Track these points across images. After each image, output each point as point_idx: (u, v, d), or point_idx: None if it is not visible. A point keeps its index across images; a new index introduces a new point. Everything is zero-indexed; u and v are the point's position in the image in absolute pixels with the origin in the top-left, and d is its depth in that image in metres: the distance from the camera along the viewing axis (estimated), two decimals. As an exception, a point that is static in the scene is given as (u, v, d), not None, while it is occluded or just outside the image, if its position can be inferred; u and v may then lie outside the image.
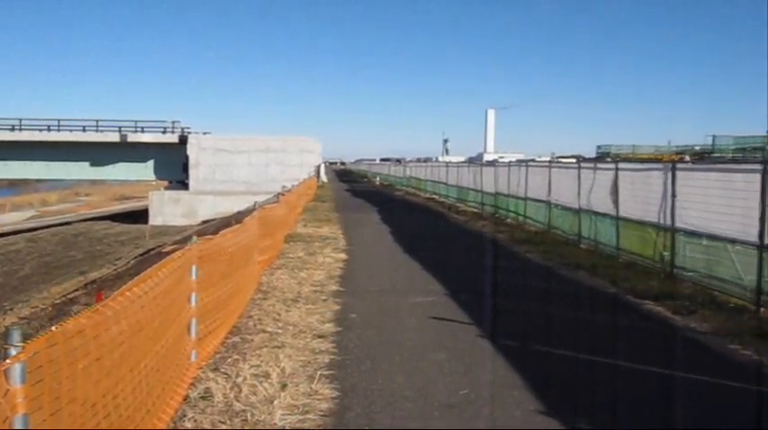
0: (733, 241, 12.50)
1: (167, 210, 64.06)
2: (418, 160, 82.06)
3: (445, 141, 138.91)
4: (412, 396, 7.79)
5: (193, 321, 8.32)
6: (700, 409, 7.61)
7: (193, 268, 8.27)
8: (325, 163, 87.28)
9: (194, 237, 8.63)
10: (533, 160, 33.07)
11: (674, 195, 14.37)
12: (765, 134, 71.27)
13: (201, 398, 7.52)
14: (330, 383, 8.10)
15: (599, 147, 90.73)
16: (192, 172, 67.53)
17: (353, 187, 68.81)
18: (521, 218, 26.98)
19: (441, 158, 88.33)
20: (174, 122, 72.94)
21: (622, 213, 17.21)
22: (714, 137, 77.36)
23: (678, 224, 14.30)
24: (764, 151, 63.06)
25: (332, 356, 9.23)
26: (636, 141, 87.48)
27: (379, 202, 43.32)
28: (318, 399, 7.59)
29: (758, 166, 11.69)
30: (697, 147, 79.76)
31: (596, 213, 19.01)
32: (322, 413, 7.25)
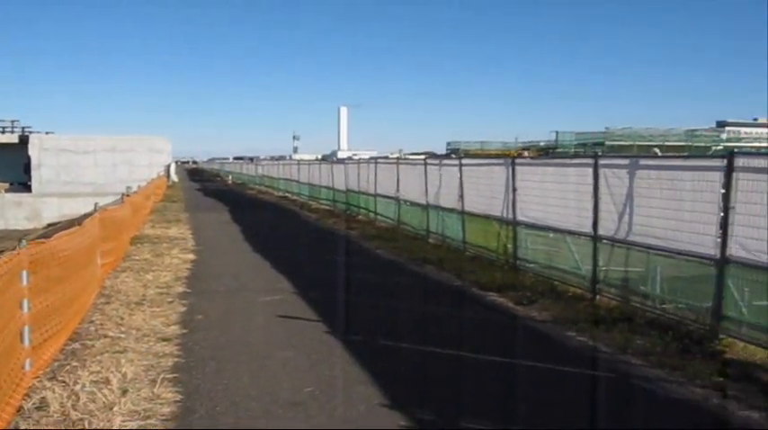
0: (570, 232, 12.94)
1: (9, 213, 60.48)
2: (272, 158, 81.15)
3: (295, 139, 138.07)
4: (257, 395, 7.67)
5: (26, 329, 7.81)
6: (539, 394, 7.81)
7: (24, 273, 7.75)
8: (176, 162, 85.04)
9: (23, 241, 8.07)
10: (387, 157, 33.28)
11: (514, 189, 14.75)
12: (604, 130, 74.93)
13: (36, 408, 7.11)
14: (173, 387, 7.85)
15: (449, 143, 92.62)
16: (34, 173, 63.96)
17: (205, 187, 67.40)
18: (372, 214, 27.13)
19: (295, 156, 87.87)
20: (13, 122, 69.17)
21: (467, 208, 17.53)
22: (557, 133, 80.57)
23: (519, 217, 14.69)
24: (603, 146, 66.28)
25: (176, 359, 8.96)
26: (485, 138, 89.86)
27: (230, 202, 42.58)
28: (160, 404, 7.32)
29: (590, 161, 12.16)
30: (542, 143, 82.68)
31: (443, 208, 19.31)
32: (164, 417, 7.01)
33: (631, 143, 68.91)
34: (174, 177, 70.23)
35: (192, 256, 18.26)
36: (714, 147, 63.97)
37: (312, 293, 13.11)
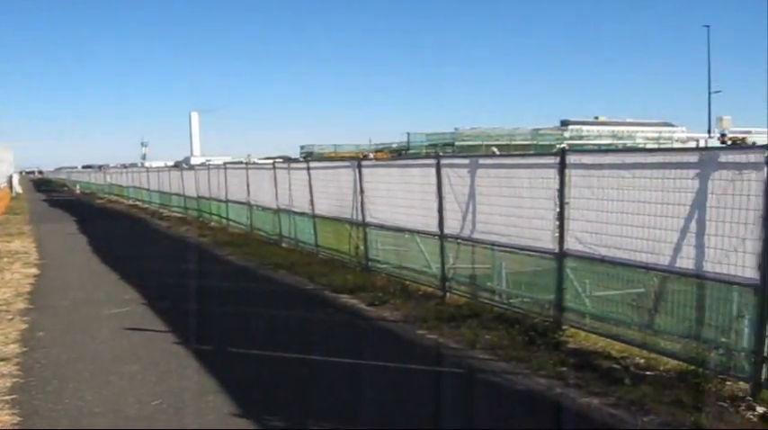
0: (418, 232, 12.99)
1: None
2: (122, 166, 78.30)
3: (143, 146, 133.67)
4: (101, 412, 7.32)
5: None
6: (388, 393, 7.79)
7: None
8: (20, 173, 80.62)
9: None
10: (241, 162, 32.65)
11: (362, 191, 14.67)
12: (454, 130, 76.61)
13: None
14: (11, 409, 7.42)
15: (302, 147, 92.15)
16: None
17: (52, 197, 64.23)
18: (224, 220, 26.57)
19: (146, 163, 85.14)
20: None
21: (318, 211, 17.37)
22: (409, 134, 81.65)
23: (368, 219, 14.64)
24: (454, 146, 67.62)
25: (15, 379, 8.46)
26: (339, 141, 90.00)
27: (78, 212, 40.61)
28: (-5, 429, 6.79)
29: (433, 161, 12.24)
30: (394, 145, 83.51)
31: (295, 212, 19.07)
32: (-1, 444, 6.51)
33: (480, 143, 70.67)
34: (17, 188, 66.55)
35: (35, 271, 17.39)
36: (558, 145, 66.42)
37: (161, 303, 12.64)
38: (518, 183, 10.23)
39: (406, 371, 8.61)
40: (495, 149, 16.00)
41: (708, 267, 7.42)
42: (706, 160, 7.43)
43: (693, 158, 7.65)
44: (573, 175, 9.19)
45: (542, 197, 9.77)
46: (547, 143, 73.38)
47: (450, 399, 7.74)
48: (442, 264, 12.13)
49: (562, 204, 9.35)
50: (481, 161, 11.27)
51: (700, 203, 7.44)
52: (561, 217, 9.40)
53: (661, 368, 7.97)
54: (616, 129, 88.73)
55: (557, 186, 9.42)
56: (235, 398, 7.62)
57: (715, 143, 53.80)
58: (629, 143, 74.59)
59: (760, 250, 6.87)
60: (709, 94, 72.95)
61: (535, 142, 73.85)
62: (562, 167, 9.30)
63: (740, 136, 56.94)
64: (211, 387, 7.99)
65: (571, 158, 9.26)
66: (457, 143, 70.88)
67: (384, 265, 14.39)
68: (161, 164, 70.54)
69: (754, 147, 7.10)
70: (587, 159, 9.16)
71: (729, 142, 51.13)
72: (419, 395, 7.80)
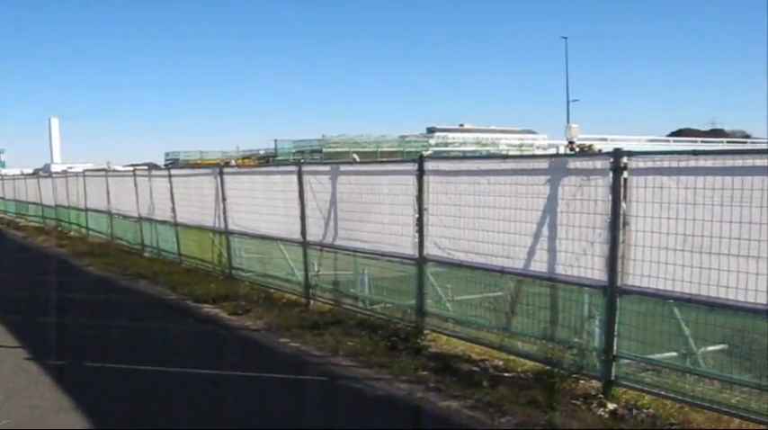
0: (282, 240, 12.73)
1: None
2: (-24, 175, 73.60)
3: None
4: None
5: None
6: (250, 403, 7.61)
7: None
8: None
9: None
10: (101, 169, 31.33)
11: (224, 199, 14.29)
12: (320, 137, 76.32)
13: None
14: None
15: (167, 154, 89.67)
16: None
17: None
18: (84, 230, 25.37)
19: (2, 171, 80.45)
20: None
21: (180, 219, 16.82)
22: (276, 141, 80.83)
23: (231, 226, 14.26)
24: (321, 153, 67.42)
25: None
26: (206, 147, 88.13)
27: None
28: None
29: (294, 168, 12.01)
30: (262, 152, 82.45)
31: (157, 221, 18.42)
32: None
33: (347, 149, 70.71)
34: None
35: None
36: (424, 152, 67.38)
37: (13, 318, 11.89)
38: (378, 189, 10.15)
39: (267, 381, 8.40)
40: (355, 156, 15.97)
41: (560, 270, 7.55)
42: (556, 167, 7.55)
43: (544, 165, 7.76)
44: (431, 182, 9.18)
45: (402, 203, 9.72)
46: (413, 149, 74.19)
47: (311, 408, 7.59)
48: (306, 271, 11.92)
49: (421, 210, 9.32)
50: (342, 168, 11.13)
51: (551, 209, 7.56)
52: (420, 223, 9.38)
53: (519, 369, 8.06)
54: (480, 136, 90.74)
55: (415, 193, 9.39)
56: (90, 415, 7.20)
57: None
58: (492, 150, 76.46)
59: (607, 253, 7.02)
60: (568, 102, 76.16)
61: (402, 149, 74.59)
62: (420, 174, 9.27)
63: (588, 143, 59.46)
64: (64, 404, 7.53)
65: (429, 165, 9.24)
66: (324, 150, 70.70)
67: (248, 274, 14.05)
68: (17, 171, 66.94)
69: (600, 154, 7.26)
70: (444, 166, 9.17)
71: (578, 149, 53.35)
72: (281, 404, 7.62)
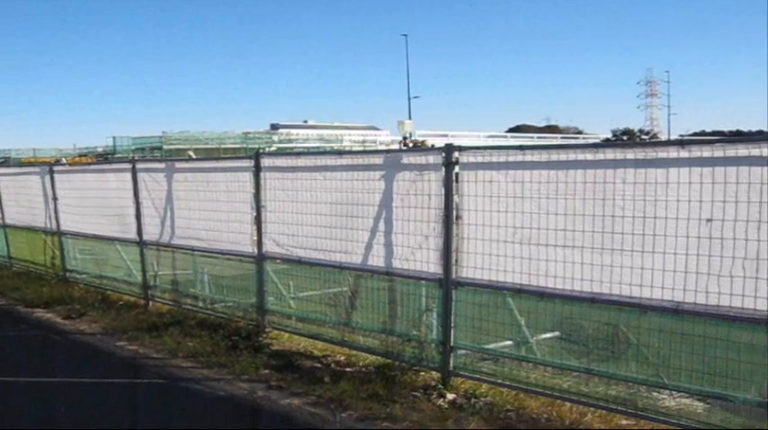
0: (118, 240, 12.02)
1: None
2: None
3: None
4: None
5: None
6: (84, 409, 7.30)
7: None
8: None
9: None
10: None
11: (55, 198, 13.35)
12: (161, 134, 73.77)
13: None
14: None
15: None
16: None
17: None
18: None
19: None
20: None
21: (9, 220, 15.60)
22: (114, 138, 77.45)
23: (64, 227, 13.34)
24: (162, 150, 65.16)
25: None
26: (40, 145, 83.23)
27: None
28: None
29: (128, 165, 11.35)
30: (100, 149, 78.87)
31: (-17, 223, 16.94)
32: None
33: (189, 146, 68.79)
34: None
35: None
36: (268, 149, 66.60)
37: None
38: (215, 187, 9.74)
39: (103, 386, 8.01)
40: (191, 153, 15.41)
41: (397, 264, 7.46)
42: (390, 162, 7.43)
43: (379, 160, 7.62)
44: (268, 178, 8.87)
45: (240, 201, 9.37)
46: (257, 146, 73.29)
47: (148, 411, 7.34)
48: (143, 271, 11.32)
49: (258, 207, 9.00)
50: (177, 165, 10.60)
51: (387, 203, 7.45)
52: (258, 220, 9.06)
53: (360, 364, 7.97)
54: (324, 132, 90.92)
55: (252, 190, 9.06)
56: None
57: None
58: (336, 146, 76.77)
59: (441, 246, 6.98)
60: (409, 98, 77.66)
61: (245, 146, 73.46)
62: (257, 170, 8.95)
63: (421, 139, 60.79)
64: None
65: (265, 161, 8.92)
66: (165, 147, 68.38)
67: (83, 275, 13.23)
68: None
69: (433, 149, 7.17)
70: (281, 162, 8.88)
71: (411, 145, 54.44)
72: (116, 409, 7.35)
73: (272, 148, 65.75)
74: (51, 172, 13.55)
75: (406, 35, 78.35)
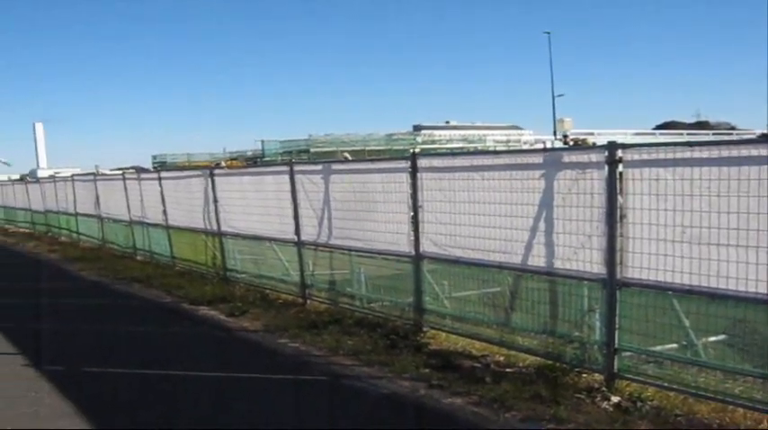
0: (276, 240, 12.68)
1: None
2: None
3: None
4: None
5: None
6: (254, 404, 7.59)
7: None
8: None
9: None
10: (89, 174, 31.22)
11: (215, 200, 14.22)
12: (307, 137, 76.08)
13: None
14: None
15: (155, 156, 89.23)
16: None
17: None
18: (74, 235, 25.26)
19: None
20: None
21: (172, 222, 16.74)
22: (263, 141, 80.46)
23: (224, 228, 14.19)
24: (309, 153, 67.21)
25: None
26: (192, 150, 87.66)
27: None
28: None
29: (286, 168, 11.95)
30: (249, 152, 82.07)
31: (148, 224, 18.34)
32: None
33: (335, 149, 70.54)
34: None
35: None
36: (411, 150, 67.34)
37: (8, 324, 11.76)
38: (372, 187, 10.11)
39: (269, 382, 8.40)
40: (347, 155, 15.90)
41: (558, 264, 7.53)
42: (550, 161, 7.52)
43: (538, 159, 7.73)
44: (424, 179, 9.14)
45: (396, 201, 9.69)
46: (401, 148, 74.04)
47: (315, 407, 7.53)
48: (301, 271, 11.88)
49: (416, 207, 9.28)
50: (334, 167, 11.07)
51: (547, 203, 7.53)
52: (416, 220, 9.34)
53: (520, 364, 8.05)
54: (467, 132, 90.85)
55: (409, 190, 9.35)
56: (92, 420, 7.17)
57: (559, 144, 55.95)
58: (479, 146, 76.58)
59: (605, 246, 7.00)
60: (553, 97, 76.11)
61: (389, 147, 74.47)
62: (414, 171, 9.24)
63: (582, 137, 59.37)
64: (66, 410, 7.49)
65: (422, 162, 9.20)
66: (312, 150, 70.48)
67: (243, 275, 14.00)
68: (3, 177, 66.52)
69: (595, 147, 7.23)
70: (437, 162, 9.13)
71: (572, 143, 53.27)
72: (284, 405, 7.63)
73: (417, 149, 66.35)
74: (212, 175, 14.43)
75: (548, 32, 76.75)
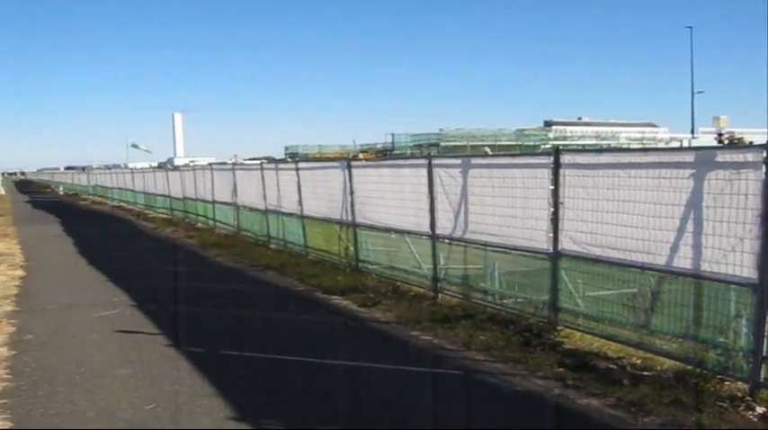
0: (409, 233, 12.91)
1: None
2: (106, 167, 77.69)
3: (135, 147, 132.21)
4: (94, 417, 7.17)
5: None
6: (386, 395, 7.72)
7: None
8: (2, 174, 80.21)
9: None
10: (225, 163, 32.56)
11: (351, 192, 14.59)
12: (438, 131, 76.62)
13: None
14: (2, 414, 7.27)
15: (287, 147, 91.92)
16: None
17: (35, 199, 63.83)
18: (211, 222, 26.39)
19: (129, 165, 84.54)
20: None
21: (306, 212, 17.27)
22: (393, 135, 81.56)
23: (359, 219, 14.55)
24: (438, 147, 67.63)
25: (4, 384, 8.32)
26: (323, 141, 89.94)
27: (62, 213, 40.29)
28: (-12, 434, 6.68)
29: (424, 161, 12.16)
30: (379, 146, 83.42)
31: (283, 213, 18.97)
32: (-9, 450, 6.41)
33: (465, 143, 70.85)
34: (0, 190, 66.06)
35: (21, 272, 17.21)
36: (543, 146, 66.74)
37: (151, 306, 12.49)
38: (511, 183, 10.16)
39: (403, 373, 8.55)
40: (487, 149, 16.03)
41: (705, 267, 7.38)
42: (702, 160, 7.38)
43: (689, 158, 7.60)
44: (567, 175, 9.13)
45: (536, 197, 9.71)
46: (531, 143, 73.55)
47: (449, 400, 7.63)
48: (434, 264, 12.05)
49: (556, 204, 9.29)
50: (473, 161, 11.21)
51: (696, 203, 7.40)
52: (555, 217, 9.35)
53: (658, 368, 7.92)
54: (600, 129, 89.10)
55: (550, 186, 9.37)
56: (230, 401, 7.50)
57: (700, 143, 53.95)
58: (612, 143, 74.87)
59: (758, 250, 6.83)
60: (693, 94, 73.33)
61: (520, 143, 74.03)
62: (556, 167, 9.24)
63: (738, 135, 56.97)
64: (206, 390, 7.88)
65: (565, 158, 9.20)
66: (442, 144, 71.02)
67: (374, 266, 14.32)
68: (145, 165, 70.09)
69: (751, 146, 7.05)
70: (581, 159, 9.11)
71: (726, 141, 51.20)
72: (419, 396, 7.75)
73: (547, 146, 65.65)
74: (349, 167, 14.83)
75: (690, 27, 73.98)
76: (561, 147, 10.72)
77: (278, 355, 9.28)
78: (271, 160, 42.00)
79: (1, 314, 12.15)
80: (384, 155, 61.89)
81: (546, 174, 9.45)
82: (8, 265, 18.27)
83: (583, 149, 15.78)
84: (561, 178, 9.20)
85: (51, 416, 7.19)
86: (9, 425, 6.97)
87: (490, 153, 12.39)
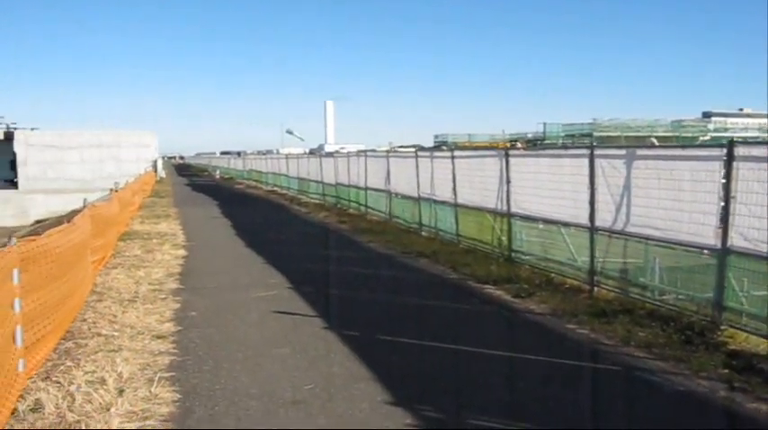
0: (566, 224, 12.85)
1: (-6, 211, 59.60)
2: (260, 153, 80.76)
3: (289, 133, 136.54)
4: (256, 394, 7.54)
5: (19, 328, 7.60)
6: (542, 389, 7.71)
7: (15, 272, 7.53)
8: (163, 158, 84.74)
9: (13, 239, 7.88)
10: (374, 150, 33.23)
11: (508, 181, 14.63)
12: (591, 121, 75.00)
13: (31, 410, 6.97)
14: (171, 386, 7.73)
15: (436, 136, 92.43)
16: (20, 170, 63.11)
17: (193, 181, 67.29)
18: (362, 208, 27.04)
19: (282, 150, 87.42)
20: (-3, 118, 68.24)
21: (460, 200, 17.43)
22: (545, 124, 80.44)
23: (513, 209, 14.58)
24: (592, 137, 66.18)
25: (172, 357, 8.84)
26: (472, 130, 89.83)
27: (219, 197, 42.37)
28: (158, 404, 7.20)
29: (586, 151, 12.05)
30: (529, 135, 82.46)
31: (436, 201, 19.21)
32: (163, 418, 6.89)
33: (619, 134, 68.96)
34: (161, 173, 69.92)
35: (183, 252, 18.17)
36: (702, 138, 64.12)
37: (306, 288, 12.98)
38: (678, 175, 9.93)
39: (559, 366, 8.51)
40: (653, 140, 15.64)
41: None
42: None
43: None
44: (741, 169, 8.86)
45: (704, 191, 9.46)
46: (689, 135, 70.65)
47: (608, 397, 7.58)
48: (592, 257, 11.94)
49: (728, 199, 9.02)
50: (639, 152, 11.00)
51: None
52: (726, 212, 9.08)
53: (834, 374, 7.59)
54: (763, 121, 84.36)
55: (722, 180, 9.12)
56: (386, 386, 7.68)
57: None
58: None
59: None
60: None
61: (677, 134, 71.27)
62: (729, 160, 8.99)
63: None
64: (362, 374, 8.11)
65: (740, 150, 8.92)
66: (595, 134, 69.33)
67: (528, 257, 14.31)
68: (296, 151, 72.28)
69: None
70: (758, 151, 8.80)
71: None
72: (576, 391, 7.76)
73: (706, 138, 62.97)
74: (507, 156, 14.87)
75: None
76: (734, 139, 10.34)
77: (432, 343, 9.40)
78: (421, 148, 42.39)
79: (167, 291, 12.88)
80: (534, 144, 61.18)
81: (717, 167, 9.20)
82: (171, 245, 19.31)
83: (761, 141, 15.09)
84: (734, 171, 8.93)
85: (216, 391, 7.60)
86: (177, 396, 7.41)
87: (656, 144, 12.11)
